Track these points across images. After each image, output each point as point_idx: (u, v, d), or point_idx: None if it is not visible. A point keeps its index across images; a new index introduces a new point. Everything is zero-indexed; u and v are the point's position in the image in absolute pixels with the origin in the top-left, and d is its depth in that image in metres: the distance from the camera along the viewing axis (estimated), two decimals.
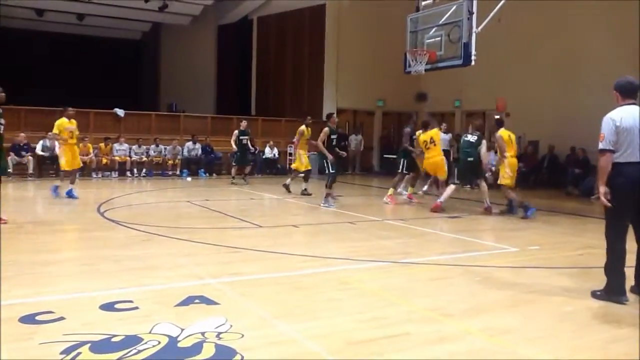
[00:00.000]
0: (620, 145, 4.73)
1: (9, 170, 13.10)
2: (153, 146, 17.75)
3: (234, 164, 15.73)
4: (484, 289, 5.21)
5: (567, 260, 6.57)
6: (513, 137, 10.27)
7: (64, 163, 10.92)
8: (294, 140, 13.28)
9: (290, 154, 19.94)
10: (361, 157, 21.16)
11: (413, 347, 3.67)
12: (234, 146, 15.39)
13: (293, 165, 13.62)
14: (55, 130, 10.87)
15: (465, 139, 10.69)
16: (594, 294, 4.92)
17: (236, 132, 15.43)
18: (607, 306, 4.71)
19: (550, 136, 16.36)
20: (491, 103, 18.30)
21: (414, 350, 3.61)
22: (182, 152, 18.05)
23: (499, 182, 10.20)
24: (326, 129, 11.03)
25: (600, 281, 4.95)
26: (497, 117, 10.60)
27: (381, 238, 7.87)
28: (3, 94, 7.88)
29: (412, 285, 5.34)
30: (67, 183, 11.13)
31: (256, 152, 17.84)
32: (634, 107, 4.85)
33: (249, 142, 15.62)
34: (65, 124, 10.88)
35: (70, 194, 10.93)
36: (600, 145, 4.82)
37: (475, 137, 10.54)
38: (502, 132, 10.10)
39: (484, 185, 10.75)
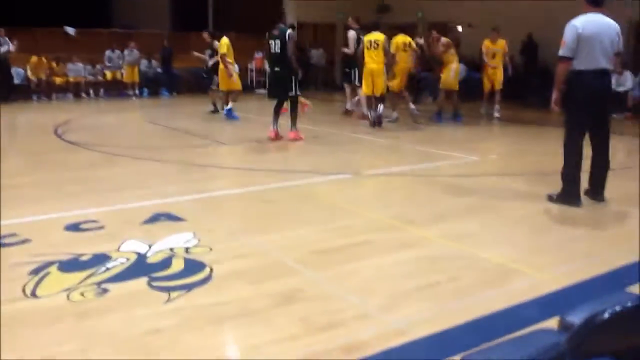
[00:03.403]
0: (580, 51, 4.77)
1: None
2: (108, 51, 16.71)
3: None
4: (444, 197, 5.36)
5: (525, 167, 6.77)
6: (412, 44, 10.48)
7: (233, 82, 10.70)
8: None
9: (251, 70, 19.36)
10: (323, 73, 20.82)
11: (376, 253, 3.80)
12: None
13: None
14: (224, 50, 10.30)
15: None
16: (550, 198, 5.11)
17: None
18: (563, 209, 4.91)
19: (513, 47, 16.30)
20: (454, 14, 18.04)
21: (377, 257, 3.74)
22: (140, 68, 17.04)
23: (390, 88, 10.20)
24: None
25: (556, 186, 5.13)
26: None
27: (346, 151, 7.93)
28: None
29: (375, 196, 5.47)
30: (230, 102, 10.95)
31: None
32: (599, 15, 4.85)
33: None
34: (229, 43, 10.49)
35: (232, 114, 10.79)
36: (560, 52, 4.87)
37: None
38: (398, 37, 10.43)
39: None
